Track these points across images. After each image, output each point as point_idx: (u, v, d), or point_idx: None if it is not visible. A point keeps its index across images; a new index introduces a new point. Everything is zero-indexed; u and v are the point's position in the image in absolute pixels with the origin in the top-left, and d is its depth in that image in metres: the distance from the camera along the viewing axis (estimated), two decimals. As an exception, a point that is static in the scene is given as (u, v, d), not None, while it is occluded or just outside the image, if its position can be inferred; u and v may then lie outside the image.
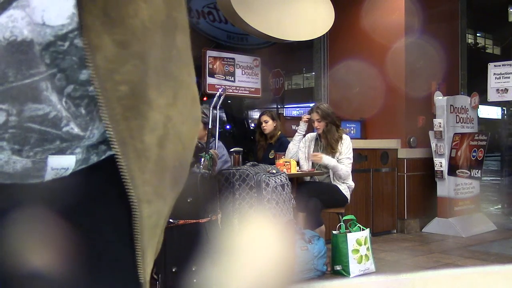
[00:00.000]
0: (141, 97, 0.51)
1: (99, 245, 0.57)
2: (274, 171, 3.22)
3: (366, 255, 3.80)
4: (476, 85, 7.02)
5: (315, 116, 4.17)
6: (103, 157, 0.55)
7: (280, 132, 4.85)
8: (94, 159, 0.55)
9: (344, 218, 3.89)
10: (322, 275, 3.74)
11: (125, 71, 0.49)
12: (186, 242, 2.65)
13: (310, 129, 4.43)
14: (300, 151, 4.35)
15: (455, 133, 5.71)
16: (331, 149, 4.12)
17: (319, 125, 4.17)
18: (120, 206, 0.57)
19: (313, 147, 4.30)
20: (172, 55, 0.57)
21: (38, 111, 0.47)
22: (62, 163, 0.51)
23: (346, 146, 4.12)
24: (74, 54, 0.47)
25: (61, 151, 0.50)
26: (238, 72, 6.38)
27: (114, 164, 0.55)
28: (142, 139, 0.52)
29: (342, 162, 4.08)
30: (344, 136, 4.18)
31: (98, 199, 0.57)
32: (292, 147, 4.38)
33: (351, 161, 4.13)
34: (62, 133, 0.49)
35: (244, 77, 6.44)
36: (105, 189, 0.57)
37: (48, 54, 0.46)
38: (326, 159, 4.02)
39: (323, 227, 3.95)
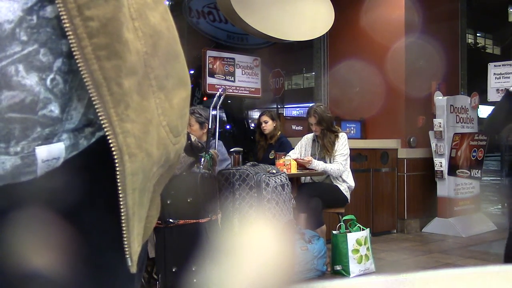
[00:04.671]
0: (115, 35, 0.48)
1: (95, 243, 0.56)
2: (274, 171, 3.22)
3: (366, 255, 3.80)
4: (476, 85, 7.03)
5: (312, 120, 4.17)
6: (93, 139, 0.53)
7: (280, 132, 4.85)
8: (83, 143, 0.52)
9: (344, 218, 3.89)
10: (322, 275, 3.74)
11: (95, 5, 0.47)
12: (186, 242, 2.65)
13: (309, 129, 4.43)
14: (296, 152, 4.37)
15: (455, 133, 5.71)
16: (326, 151, 4.13)
17: (316, 128, 4.18)
18: (115, 196, 0.54)
19: (310, 148, 4.30)
20: (148, 3, 0.56)
21: (15, 98, 0.45)
22: (52, 153, 0.49)
23: (342, 143, 4.12)
24: (45, 25, 0.46)
25: (47, 140, 0.48)
26: (238, 72, 6.38)
27: (105, 146, 0.52)
28: (119, 82, 0.49)
29: (335, 159, 4.08)
30: (340, 135, 4.18)
31: (99, 193, 0.55)
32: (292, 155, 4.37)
33: (345, 157, 4.11)
34: (38, 117, 0.47)
35: (244, 77, 6.45)
36: (106, 179, 0.54)
37: (23, 30, 0.45)
38: (315, 164, 4.02)
39: (324, 227, 3.96)
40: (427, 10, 5.98)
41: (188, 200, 2.67)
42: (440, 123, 5.69)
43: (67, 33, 0.46)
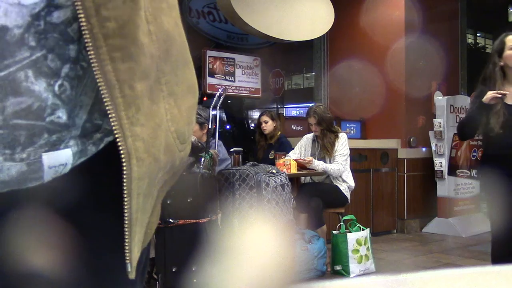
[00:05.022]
0: (130, 37, 0.48)
1: (101, 245, 0.55)
2: (274, 171, 3.22)
3: (366, 255, 3.80)
4: (476, 85, 7.01)
5: (312, 120, 4.17)
6: (102, 145, 0.53)
7: (280, 132, 4.85)
8: (92, 149, 0.52)
9: (344, 218, 3.89)
10: (322, 275, 3.74)
11: (113, 6, 0.46)
12: (186, 242, 2.65)
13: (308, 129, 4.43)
14: (296, 152, 4.37)
15: (455, 133, 5.71)
16: (326, 151, 4.13)
17: (316, 129, 4.18)
18: (118, 200, 0.53)
19: (310, 148, 4.31)
20: (163, 7, 0.55)
21: (21, 105, 0.44)
22: (59, 159, 0.48)
23: (342, 143, 4.13)
24: (52, 31, 0.46)
25: (54, 146, 0.48)
26: (238, 72, 6.38)
27: (115, 151, 0.51)
28: (131, 85, 0.48)
29: (335, 160, 4.08)
30: (340, 135, 4.18)
31: (101, 196, 0.55)
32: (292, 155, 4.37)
33: (345, 157, 4.11)
34: (46, 123, 0.46)
35: (244, 77, 6.45)
36: (108, 182, 0.54)
37: (31, 35, 0.44)
38: (315, 164, 4.01)
39: (324, 227, 3.96)
40: (427, 10, 5.98)
41: (188, 200, 2.67)
42: (440, 123, 5.69)
43: (83, 32, 0.45)
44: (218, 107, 3.69)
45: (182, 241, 2.64)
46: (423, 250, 4.87)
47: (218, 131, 3.78)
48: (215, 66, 6.19)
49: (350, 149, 4.21)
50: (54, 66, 0.46)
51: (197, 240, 2.66)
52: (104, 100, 0.47)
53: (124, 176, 0.49)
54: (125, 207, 0.50)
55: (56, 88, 0.46)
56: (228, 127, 7.75)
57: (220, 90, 3.86)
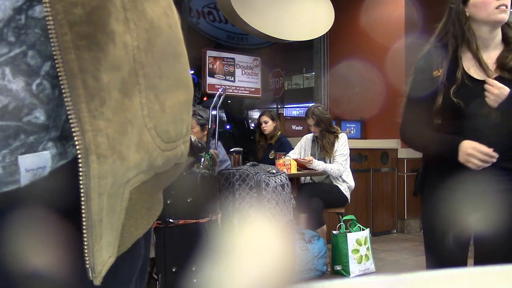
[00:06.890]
0: (99, 25, 0.44)
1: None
2: (274, 171, 3.22)
3: (366, 255, 3.80)
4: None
5: (310, 121, 4.18)
6: None
7: (280, 132, 4.85)
8: (72, 151, 0.48)
9: (344, 218, 3.89)
10: (322, 275, 3.74)
11: None
12: (186, 242, 2.65)
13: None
14: (296, 152, 4.38)
15: (455, 133, 5.69)
16: (326, 152, 4.13)
17: (315, 129, 4.18)
18: None
19: (310, 148, 4.31)
20: None
21: None
22: (37, 162, 0.45)
23: (342, 143, 4.13)
24: (34, 26, 0.43)
25: (31, 149, 0.45)
26: (238, 72, 6.39)
27: None
28: (96, 75, 0.44)
29: (335, 160, 4.09)
30: (340, 135, 4.18)
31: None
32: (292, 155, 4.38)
33: (345, 157, 4.11)
34: (22, 124, 0.43)
35: (244, 77, 6.45)
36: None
37: (11, 30, 0.42)
38: (315, 164, 4.02)
39: (324, 227, 3.96)
40: (427, 10, 5.97)
41: (188, 200, 2.67)
42: (440, 123, 5.67)
43: (46, 18, 0.42)
44: (218, 107, 3.69)
45: (182, 241, 2.64)
46: (423, 250, 4.85)
47: (218, 131, 3.78)
48: (215, 66, 6.19)
49: (350, 149, 4.21)
50: (34, 64, 0.44)
51: (197, 240, 2.66)
52: (63, 90, 0.43)
53: (80, 174, 0.45)
54: (82, 207, 0.46)
55: (34, 87, 0.44)
56: (228, 127, 7.75)
57: (220, 90, 3.86)
